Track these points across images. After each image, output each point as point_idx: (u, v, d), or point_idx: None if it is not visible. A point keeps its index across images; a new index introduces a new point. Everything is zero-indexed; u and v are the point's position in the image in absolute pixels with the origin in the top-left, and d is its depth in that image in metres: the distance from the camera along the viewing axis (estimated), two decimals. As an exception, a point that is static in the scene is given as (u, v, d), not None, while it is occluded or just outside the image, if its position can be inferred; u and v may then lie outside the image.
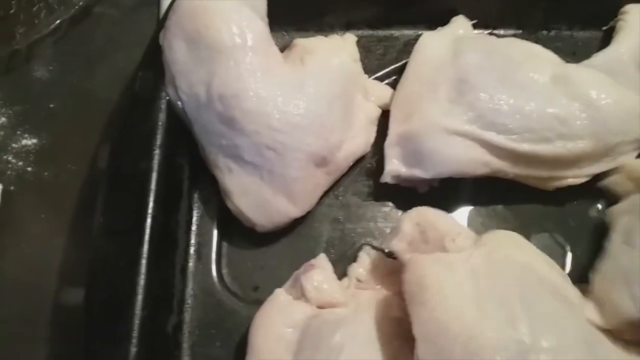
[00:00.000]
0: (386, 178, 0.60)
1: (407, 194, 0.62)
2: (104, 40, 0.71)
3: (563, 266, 0.60)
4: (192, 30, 0.57)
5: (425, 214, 0.53)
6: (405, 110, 0.61)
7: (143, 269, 0.51)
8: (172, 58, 0.58)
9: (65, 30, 0.71)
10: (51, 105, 0.68)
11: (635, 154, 0.60)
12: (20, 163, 0.65)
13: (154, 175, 0.55)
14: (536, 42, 0.66)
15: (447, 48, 0.63)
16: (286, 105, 0.56)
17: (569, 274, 0.56)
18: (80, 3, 0.72)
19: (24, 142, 0.66)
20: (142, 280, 0.50)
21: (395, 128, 0.61)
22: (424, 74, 0.62)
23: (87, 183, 0.64)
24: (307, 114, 0.56)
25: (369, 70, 0.68)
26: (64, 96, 0.68)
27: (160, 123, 0.57)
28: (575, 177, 0.60)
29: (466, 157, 0.57)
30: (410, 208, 0.61)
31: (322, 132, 0.57)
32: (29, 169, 0.65)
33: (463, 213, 0.63)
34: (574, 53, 0.69)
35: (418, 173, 0.58)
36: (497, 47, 0.62)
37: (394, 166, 0.59)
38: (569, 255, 0.60)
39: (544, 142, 0.57)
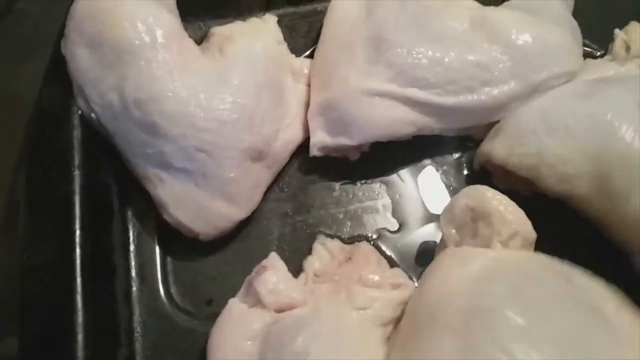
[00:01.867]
0: (313, 151, 0.57)
1: (354, 175, 0.60)
2: (28, 37, 0.66)
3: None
4: (93, 33, 0.52)
5: (482, 198, 0.47)
6: (323, 77, 0.58)
7: (79, 304, 0.46)
8: (76, 67, 0.53)
9: (-14, 30, 0.66)
10: (-23, 107, 0.62)
11: None
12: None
13: (77, 199, 0.50)
14: None
15: (360, 7, 0.60)
16: (210, 102, 0.52)
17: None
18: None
19: (-54, 147, 0.60)
20: (79, 318, 0.46)
21: (315, 97, 0.58)
22: (339, 36, 0.59)
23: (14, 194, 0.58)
24: (234, 108, 0.52)
25: (295, 49, 0.64)
26: (-10, 97, 0.63)
27: (75, 140, 0.53)
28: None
29: (390, 118, 0.55)
30: (356, 189, 0.59)
31: (253, 124, 0.53)
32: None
33: (402, 174, 0.60)
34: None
35: (344, 141, 0.55)
36: None
37: (319, 137, 0.56)
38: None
39: (468, 92, 0.55)
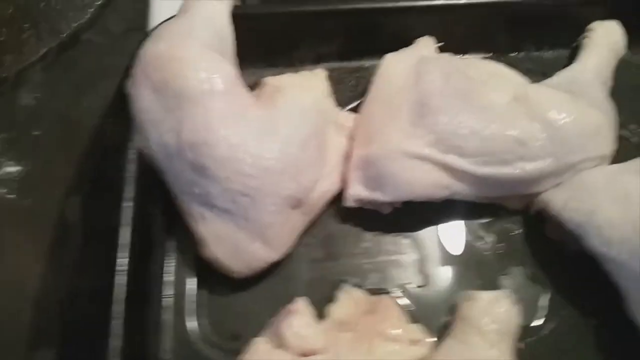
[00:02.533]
0: (349, 202, 0.60)
1: (385, 228, 0.62)
2: (92, 68, 0.72)
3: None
4: (158, 79, 0.56)
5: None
6: (367, 133, 0.61)
7: (115, 330, 0.49)
8: (140, 107, 0.57)
9: (53, 58, 0.71)
10: (36, 133, 0.67)
11: None
12: (4, 190, 0.64)
13: (127, 229, 0.54)
14: (507, 64, 0.67)
15: (409, 69, 0.63)
16: (258, 150, 0.55)
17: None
18: (69, 31, 0.72)
19: (7, 169, 0.66)
20: (114, 342, 0.49)
21: (357, 151, 0.61)
22: (386, 96, 0.62)
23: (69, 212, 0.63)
24: (280, 157, 0.56)
25: (341, 102, 0.67)
26: (50, 123, 0.68)
27: (130, 174, 0.56)
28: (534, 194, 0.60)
29: (427, 181, 0.58)
30: (385, 242, 0.62)
31: (296, 174, 0.56)
32: (11, 196, 0.64)
33: (433, 232, 0.63)
34: (544, 73, 0.69)
35: (379, 197, 0.58)
36: (459, 68, 0.62)
37: (356, 190, 0.59)
38: (547, 296, 0.60)
39: (503, 165, 0.57)
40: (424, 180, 0.58)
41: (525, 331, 0.56)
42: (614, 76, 0.67)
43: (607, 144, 0.60)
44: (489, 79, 0.62)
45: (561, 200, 0.58)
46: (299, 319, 0.53)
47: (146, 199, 0.57)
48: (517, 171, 0.58)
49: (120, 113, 0.58)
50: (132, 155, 0.57)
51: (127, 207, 0.55)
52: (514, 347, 0.53)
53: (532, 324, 0.58)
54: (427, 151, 0.58)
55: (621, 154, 0.62)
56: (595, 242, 0.54)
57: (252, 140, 0.55)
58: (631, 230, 0.52)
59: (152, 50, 0.57)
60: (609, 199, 0.55)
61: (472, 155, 0.57)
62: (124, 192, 0.55)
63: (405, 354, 0.53)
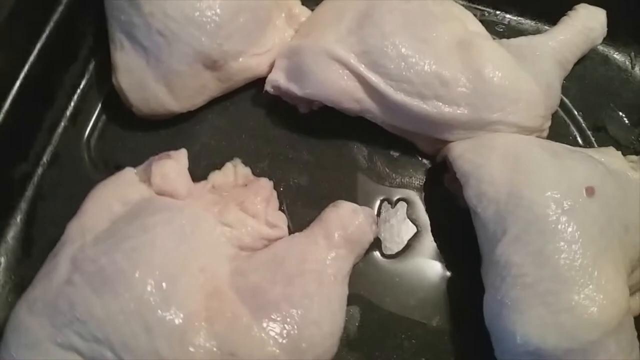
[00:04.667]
0: (267, 86, 0.61)
1: (296, 125, 0.64)
2: None
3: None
4: None
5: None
6: (308, 28, 0.62)
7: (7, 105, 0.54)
8: None
9: None
10: None
11: None
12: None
13: (47, 30, 0.57)
14: (482, 19, 0.67)
15: None
16: (188, -2, 0.57)
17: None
18: None
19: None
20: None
21: (291, 41, 0.62)
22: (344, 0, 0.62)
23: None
24: (206, 12, 0.57)
25: (310, 2, 0.67)
26: None
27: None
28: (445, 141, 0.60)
29: (339, 87, 0.58)
30: (291, 138, 0.63)
31: (217, 34, 0.58)
32: None
33: (339, 144, 0.64)
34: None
35: (293, 88, 0.59)
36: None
37: (276, 76, 0.60)
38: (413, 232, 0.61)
39: (418, 97, 0.57)
40: (336, 85, 0.58)
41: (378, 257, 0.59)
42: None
43: (528, 115, 0.58)
44: (445, 20, 0.61)
45: (461, 149, 0.58)
46: (171, 164, 0.55)
47: (78, 13, 0.61)
48: (430, 108, 0.57)
49: None
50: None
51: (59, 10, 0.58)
52: (355, 260, 0.55)
53: (387, 253, 0.59)
54: (351, 59, 0.58)
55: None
56: (471, 193, 0.55)
57: (187, -12, 0.57)
58: (505, 193, 0.53)
59: None
60: (500, 158, 0.55)
61: (392, 79, 0.57)
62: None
63: (255, 229, 0.54)
